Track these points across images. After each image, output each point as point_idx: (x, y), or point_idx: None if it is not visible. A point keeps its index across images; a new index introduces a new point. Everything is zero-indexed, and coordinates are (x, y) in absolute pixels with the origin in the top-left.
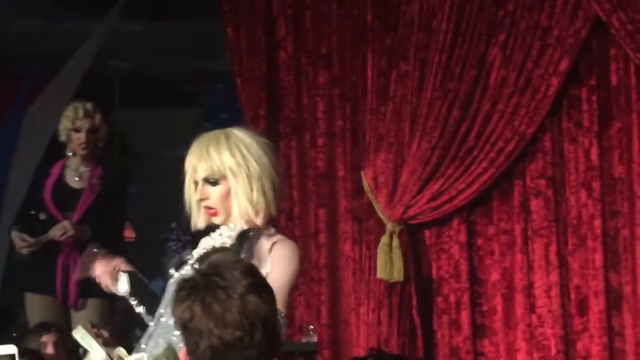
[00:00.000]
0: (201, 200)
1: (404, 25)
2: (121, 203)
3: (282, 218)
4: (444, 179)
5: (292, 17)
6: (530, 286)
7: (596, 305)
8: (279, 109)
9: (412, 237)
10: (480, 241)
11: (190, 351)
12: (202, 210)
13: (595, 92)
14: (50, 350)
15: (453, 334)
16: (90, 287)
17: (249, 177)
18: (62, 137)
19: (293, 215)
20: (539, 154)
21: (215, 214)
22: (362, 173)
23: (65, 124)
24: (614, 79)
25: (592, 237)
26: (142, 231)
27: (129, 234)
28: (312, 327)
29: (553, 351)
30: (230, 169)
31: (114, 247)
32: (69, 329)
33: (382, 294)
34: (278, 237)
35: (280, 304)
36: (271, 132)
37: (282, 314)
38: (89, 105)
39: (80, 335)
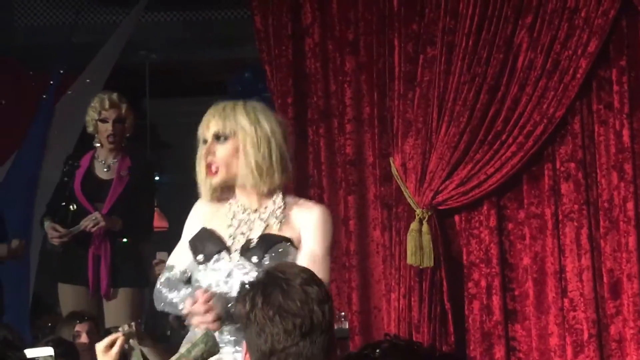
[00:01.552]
0: (206, 155)
1: (431, 9)
2: (149, 193)
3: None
4: (473, 164)
5: (318, 3)
6: (562, 270)
7: (630, 289)
8: (306, 96)
9: (441, 222)
10: (510, 225)
11: (251, 346)
12: (208, 180)
13: (625, 73)
14: (84, 339)
15: (484, 319)
16: (122, 277)
17: (259, 138)
18: (90, 129)
19: (323, 203)
20: (569, 136)
21: (215, 173)
22: (391, 159)
23: (91, 114)
24: None
25: (624, 219)
26: (174, 221)
27: (162, 223)
28: (343, 313)
29: (585, 335)
30: (242, 127)
31: (144, 237)
32: (102, 318)
33: (412, 280)
34: (299, 201)
35: (324, 274)
36: (299, 119)
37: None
38: (114, 96)
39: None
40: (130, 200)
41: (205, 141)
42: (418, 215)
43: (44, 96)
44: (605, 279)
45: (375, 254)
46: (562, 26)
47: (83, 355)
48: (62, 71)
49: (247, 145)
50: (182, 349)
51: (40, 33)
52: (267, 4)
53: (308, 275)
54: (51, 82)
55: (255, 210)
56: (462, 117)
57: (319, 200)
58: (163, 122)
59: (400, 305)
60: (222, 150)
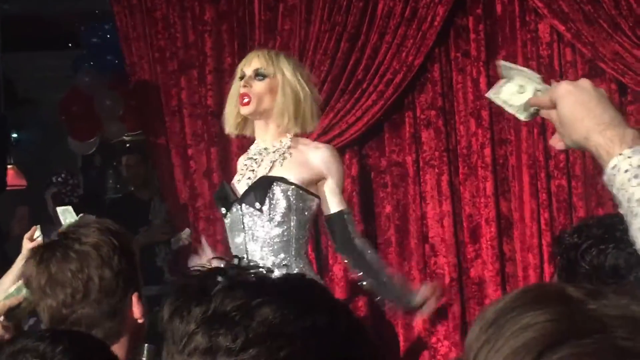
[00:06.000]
0: (243, 86)
1: None
2: (2, 148)
3: (176, 158)
4: (334, 113)
5: None
6: (423, 217)
7: (488, 232)
8: (165, 47)
9: None
10: (372, 174)
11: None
12: (236, 111)
13: (482, 21)
14: None
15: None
16: None
17: (300, 84)
18: None
19: (187, 155)
20: (428, 84)
21: (248, 104)
22: None
23: None
24: (499, 8)
25: (482, 165)
26: (31, 176)
27: (20, 181)
28: (188, 230)
29: (447, 279)
30: (284, 71)
31: None
32: None
33: None
34: (318, 144)
35: (344, 203)
36: (158, 70)
37: (349, 211)
38: None
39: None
40: None
41: (242, 77)
42: None
43: None
44: (464, 224)
45: None
46: None
47: None
48: None
49: (287, 89)
50: (12, 288)
51: None
52: None
53: (101, 232)
54: None
55: (266, 149)
56: (323, 66)
57: (182, 152)
58: (18, 77)
59: None
60: (259, 86)
